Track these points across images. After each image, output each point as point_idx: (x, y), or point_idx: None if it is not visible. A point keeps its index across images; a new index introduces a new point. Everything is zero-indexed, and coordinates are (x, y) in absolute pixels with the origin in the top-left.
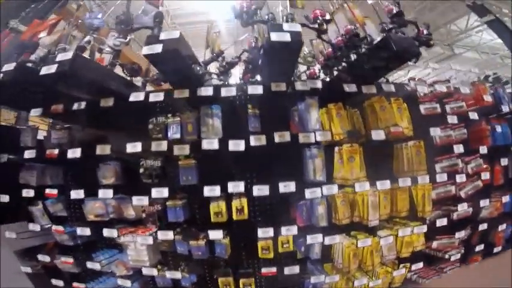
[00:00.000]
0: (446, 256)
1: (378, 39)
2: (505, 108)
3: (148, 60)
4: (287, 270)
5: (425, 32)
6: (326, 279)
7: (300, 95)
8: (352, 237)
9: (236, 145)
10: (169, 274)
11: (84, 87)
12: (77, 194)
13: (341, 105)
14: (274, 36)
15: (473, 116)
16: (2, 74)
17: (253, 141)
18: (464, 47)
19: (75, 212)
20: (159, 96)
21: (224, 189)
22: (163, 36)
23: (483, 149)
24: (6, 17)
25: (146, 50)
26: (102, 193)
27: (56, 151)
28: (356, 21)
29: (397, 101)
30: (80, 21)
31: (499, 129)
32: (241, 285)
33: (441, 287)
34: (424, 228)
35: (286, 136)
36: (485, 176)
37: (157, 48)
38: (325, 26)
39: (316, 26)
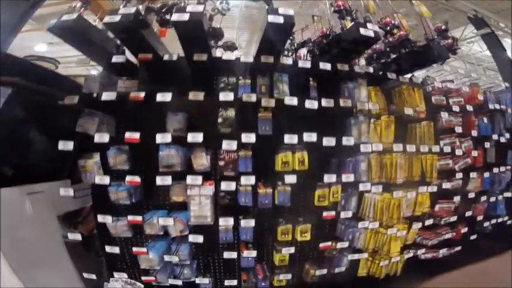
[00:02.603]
0: (442, 222)
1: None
2: (491, 107)
3: (268, 27)
4: (343, 214)
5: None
6: (370, 225)
7: (353, 75)
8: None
9: (311, 104)
10: (244, 222)
11: (193, 40)
12: (163, 137)
13: (378, 88)
14: (363, 31)
15: (470, 108)
16: (120, 16)
17: (324, 103)
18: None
19: (140, 164)
20: (249, 58)
21: (300, 139)
22: (281, 11)
23: (474, 133)
24: None
25: (272, 18)
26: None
27: (142, 94)
28: (403, 29)
29: (419, 91)
30: None
31: (484, 121)
32: (298, 232)
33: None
34: (435, 188)
35: (348, 103)
36: (474, 154)
37: (279, 19)
38: (396, 31)
39: (388, 29)
